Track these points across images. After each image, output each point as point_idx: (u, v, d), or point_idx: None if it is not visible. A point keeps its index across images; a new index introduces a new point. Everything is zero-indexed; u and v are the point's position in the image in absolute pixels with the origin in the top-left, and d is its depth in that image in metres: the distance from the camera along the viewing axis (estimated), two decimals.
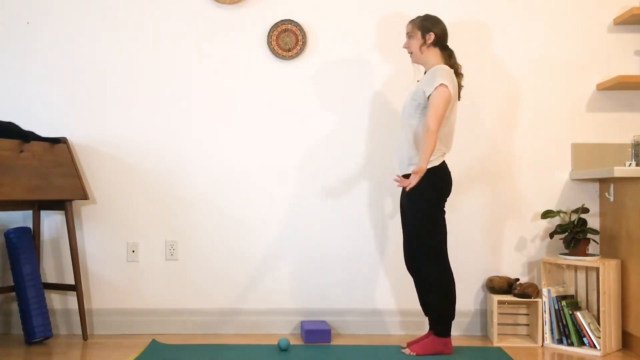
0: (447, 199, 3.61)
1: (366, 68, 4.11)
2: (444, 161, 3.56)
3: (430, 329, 3.66)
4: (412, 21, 3.64)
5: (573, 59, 4.12)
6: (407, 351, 3.59)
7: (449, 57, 3.61)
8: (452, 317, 3.58)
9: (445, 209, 3.61)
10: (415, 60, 3.66)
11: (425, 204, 3.50)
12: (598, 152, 4.08)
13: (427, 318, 3.73)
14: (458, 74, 3.60)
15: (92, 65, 4.13)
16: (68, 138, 4.07)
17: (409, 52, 3.66)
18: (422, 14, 3.69)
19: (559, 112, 4.12)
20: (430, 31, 3.57)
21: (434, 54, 3.59)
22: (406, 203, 3.58)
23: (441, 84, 3.44)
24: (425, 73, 3.63)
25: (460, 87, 3.61)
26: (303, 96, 4.13)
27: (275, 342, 3.85)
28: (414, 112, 3.54)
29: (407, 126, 3.58)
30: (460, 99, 3.66)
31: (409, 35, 3.63)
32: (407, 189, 3.44)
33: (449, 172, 3.59)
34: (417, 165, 3.43)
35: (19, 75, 4.12)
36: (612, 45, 4.11)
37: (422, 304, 3.69)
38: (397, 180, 3.48)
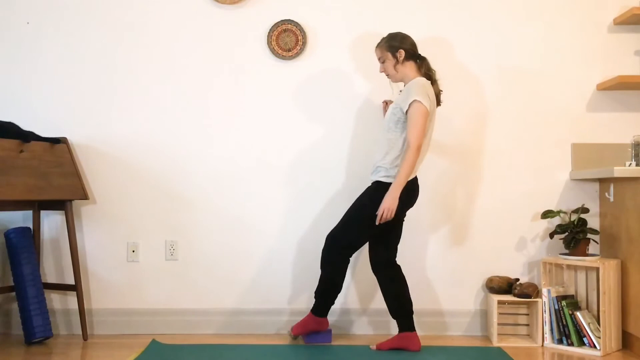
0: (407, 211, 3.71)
1: (367, 68, 4.11)
2: (416, 176, 3.64)
3: (400, 330, 3.69)
4: (378, 46, 3.71)
5: (573, 59, 4.12)
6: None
7: (424, 67, 3.66)
8: (332, 302, 3.72)
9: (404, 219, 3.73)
10: (395, 80, 3.73)
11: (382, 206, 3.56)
12: (598, 152, 4.08)
13: (395, 320, 3.76)
14: (434, 81, 3.65)
15: (92, 65, 4.13)
16: (68, 138, 4.07)
17: (386, 75, 3.71)
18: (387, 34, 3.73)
19: (559, 112, 4.12)
20: (399, 48, 3.63)
21: (410, 67, 3.66)
22: (361, 196, 3.65)
23: (414, 100, 3.49)
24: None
25: (439, 92, 3.67)
26: (303, 96, 4.13)
27: (275, 342, 3.85)
28: (393, 127, 3.59)
29: (385, 139, 3.64)
30: (441, 104, 3.71)
31: (381, 59, 3.69)
32: (380, 221, 3.53)
33: (418, 187, 3.67)
34: (392, 189, 3.50)
35: (19, 75, 4.12)
36: (612, 45, 4.11)
37: (388, 308, 3.71)
38: (380, 217, 3.53)
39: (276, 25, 4.10)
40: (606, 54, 4.11)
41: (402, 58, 3.63)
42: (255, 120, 4.13)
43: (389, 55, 3.65)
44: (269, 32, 4.11)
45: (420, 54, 3.69)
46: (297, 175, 4.12)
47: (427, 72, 3.66)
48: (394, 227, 3.69)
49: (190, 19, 4.13)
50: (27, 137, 3.75)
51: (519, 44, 4.12)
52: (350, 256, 3.71)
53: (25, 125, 4.02)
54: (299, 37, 4.10)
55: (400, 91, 3.72)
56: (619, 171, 3.57)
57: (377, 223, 3.55)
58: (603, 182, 4.01)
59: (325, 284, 3.70)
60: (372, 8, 4.13)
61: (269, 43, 4.11)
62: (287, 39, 4.11)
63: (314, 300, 3.80)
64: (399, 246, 3.83)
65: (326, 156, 4.12)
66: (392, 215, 3.52)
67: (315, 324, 3.76)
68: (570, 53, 4.12)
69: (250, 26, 4.13)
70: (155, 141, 4.12)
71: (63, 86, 4.12)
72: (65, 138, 4.01)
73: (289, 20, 4.10)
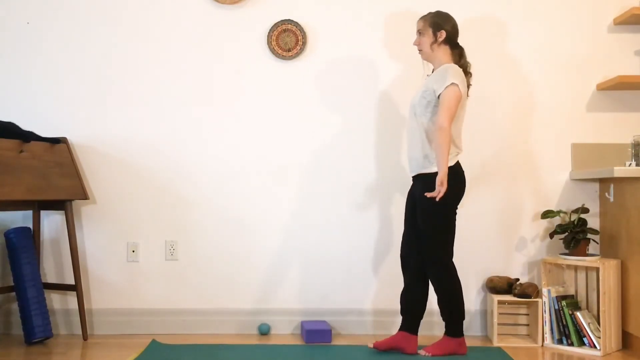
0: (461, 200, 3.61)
1: (367, 67, 4.11)
2: (458, 161, 3.56)
3: (401, 328, 3.63)
4: (423, 18, 3.61)
5: (573, 59, 4.12)
6: (422, 352, 3.57)
7: (459, 56, 3.60)
8: (463, 317, 3.58)
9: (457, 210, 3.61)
10: (425, 58, 3.64)
11: (439, 207, 3.48)
12: (598, 152, 4.08)
13: (402, 317, 3.67)
14: (467, 73, 3.59)
15: (92, 65, 4.13)
16: (68, 138, 4.07)
17: (419, 49, 3.64)
18: (430, 10, 3.65)
19: (559, 112, 4.12)
20: (442, 28, 3.56)
21: (444, 51, 3.58)
22: (419, 203, 3.55)
23: (452, 83, 3.43)
24: (433, 70, 3.63)
25: (468, 85, 3.60)
26: (303, 96, 4.13)
27: (276, 342, 3.85)
28: (424, 110, 3.51)
29: (418, 125, 3.54)
30: (469, 97, 3.65)
31: (420, 32, 3.60)
32: (438, 198, 3.41)
33: (464, 173, 3.58)
34: (440, 172, 3.40)
35: (19, 75, 4.12)
36: (612, 45, 4.11)
37: (403, 303, 3.65)
38: (427, 195, 3.43)
39: (276, 25, 4.10)
40: (606, 54, 4.11)
41: (441, 39, 3.55)
42: (255, 121, 4.13)
43: (430, 31, 3.56)
44: (269, 32, 4.11)
45: (458, 43, 3.61)
46: (297, 176, 4.12)
47: (459, 61, 3.57)
48: (448, 223, 3.56)
49: (190, 19, 4.13)
50: (27, 137, 3.75)
51: (517, 44, 4.12)
52: (452, 256, 3.58)
53: (25, 125, 4.01)
54: (299, 37, 4.10)
55: (428, 75, 3.67)
56: (619, 171, 3.57)
57: (437, 199, 3.41)
58: (603, 182, 4.01)
59: (450, 302, 3.54)
60: (372, 8, 4.12)
61: (269, 43, 4.11)
62: (287, 39, 4.11)
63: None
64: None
65: (327, 156, 4.12)
66: (444, 191, 3.40)
67: (456, 346, 3.57)
68: (570, 53, 4.12)
69: (250, 26, 4.13)
70: (156, 141, 4.12)
71: (63, 86, 4.12)
72: (65, 138, 4.01)
73: (289, 20, 4.10)
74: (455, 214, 3.60)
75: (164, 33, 4.13)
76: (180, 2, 4.14)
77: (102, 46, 4.13)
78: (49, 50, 4.12)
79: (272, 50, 4.11)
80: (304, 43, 4.11)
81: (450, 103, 3.43)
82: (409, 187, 3.72)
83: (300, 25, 4.10)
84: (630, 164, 3.79)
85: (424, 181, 3.53)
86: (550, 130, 4.11)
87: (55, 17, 4.13)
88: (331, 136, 4.12)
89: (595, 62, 4.11)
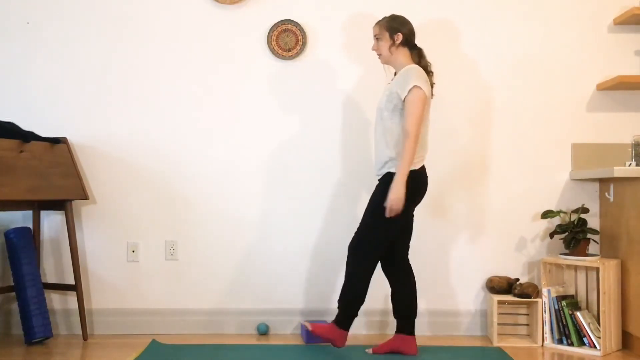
0: (420, 202, 3.60)
1: (367, 67, 4.11)
2: (423, 165, 3.55)
3: (397, 331, 3.64)
4: (378, 23, 3.64)
5: (573, 59, 4.12)
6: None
7: (418, 56, 3.61)
8: (354, 314, 3.56)
9: (414, 212, 3.62)
10: (385, 62, 3.66)
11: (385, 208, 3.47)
12: (598, 152, 4.08)
13: (395, 320, 3.67)
14: (428, 72, 3.59)
15: (92, 65, 4.13)
16: (68, 138, 4.07)
17: (378, 54, 3.66)
18: (389, 14, 3.68)
19: (559, 112, 4.12)
20: (398, 31, 3.57)
21: (403, 54, 3.60)
22: (372, 196, 3.55)
23: (415, 86, 3.43)
24: (395, 74, 3.63)
25: (432, 84, 3.60)
26: (303, 96, 4.13)
27: (276, 342, 3.85)
28: (390, 115, 3.51)
29: (384, 128, 3.55)
30: (433, 96, 3.65)
31: (377, 37, 3.63)
32: (388, 214, 3.41)
33: (427, 178, 3.57)
34: (396, 180, 3.39)
35: (19, 75, 4.12)
36: (612, 45, 4.11)
37: (393, 306, 3.66)
38: (389, 210, 3.43)
39: (276, 25, 4.11)
40: (606, 54, 4.11)
41: (398, 42, 3.57)
42: (255, 121, 4.13)
43: (387, 35, 3.58)
44: (269, 32, 4.11)
45: (416, 44, 3.63)
46: (297, 176, 4.12)
47: (419, 62, 3.58)
48: (390, 226, 3.52)
49: (190, 19, 4.13)
50: (27, 137, 3.75)
51: (518, 44, 4.12)
52: (377, 261, 3.55)
53: (25, 125, 4.01)
54: (299, 37, 4.11)
55: (389, 83, 3.66)
56: (619, 171, 3.57)
57: (387, 216, 3.42)
58: (603, 182, 4.01)
59: (348, 292, 3.54)
60: (373, 8, 4.12)
61: (269, 43, 4.11)
62: (287, 39, 4.11)
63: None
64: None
65: (327, 156, 4.12)
66: (401, 206, 3.41)
67: (334, 335, 3.56)
68: (570, 53, 4.12)
69: (250, 26, 4.13)
70: (156, 141, 4.12)
71: (63, 86, 4.12)
72: (65, 138, 4.02)
73: (289, 20, 4.10)
74: (412, 216, 3.61)
75: (164, 33, 4.13)
76: (180, 2, 4.14)
77: (102, 46, 4.13)
78: (48, 50, 4.13)
79: (272, 50, 4.11)
80: (304, 43, 4.11)
81: (416, 107, 3.42)
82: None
83: (300, 25, 4.10)
84: (630, 164, 3.80)
85: (386, 180, 3.51)
86: (550, 130, 4.12)
87: (55, 17, 4.13)
88: (333, 136, 4.12)
89: (595, 62, 4.11)
